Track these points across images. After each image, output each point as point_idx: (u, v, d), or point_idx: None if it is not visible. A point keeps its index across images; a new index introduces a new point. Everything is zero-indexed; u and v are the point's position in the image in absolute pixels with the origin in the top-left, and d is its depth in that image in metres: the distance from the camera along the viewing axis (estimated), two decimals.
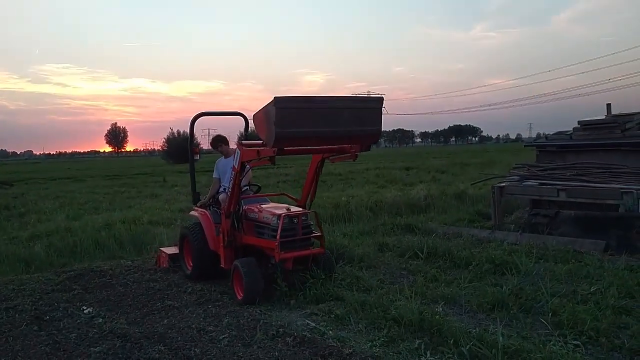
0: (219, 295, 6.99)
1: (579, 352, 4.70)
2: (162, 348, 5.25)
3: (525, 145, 17.37)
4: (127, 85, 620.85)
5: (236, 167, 6.71)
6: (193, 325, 5.88)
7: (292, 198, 7.99)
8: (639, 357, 4.73)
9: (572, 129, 12.21)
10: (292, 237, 6.72)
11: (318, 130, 5.83)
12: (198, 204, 8.32)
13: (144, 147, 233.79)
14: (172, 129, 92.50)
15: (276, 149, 5.77)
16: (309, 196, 7.46)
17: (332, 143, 6.29)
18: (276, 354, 5.00)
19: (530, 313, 5.83)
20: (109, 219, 13.66)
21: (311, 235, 7.02)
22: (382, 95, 6.04)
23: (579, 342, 4.92)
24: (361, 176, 27.23)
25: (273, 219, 6.74)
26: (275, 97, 5.50)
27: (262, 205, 7.34)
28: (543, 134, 14.78)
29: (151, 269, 8.56)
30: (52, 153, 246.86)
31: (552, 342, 4.84)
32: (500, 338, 4.73)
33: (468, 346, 4.75)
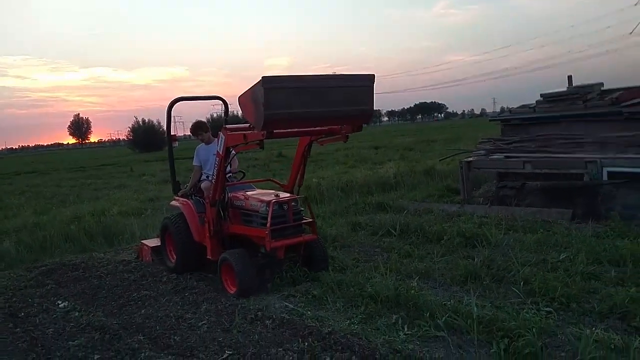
0: (195, 283, 6.97)
1: (551, 318, 4.86)
2: (142, 338, 5.24)
3: (490, 120, 17.53)
4: (88, 75, 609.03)
5: (221, 152, 6.40)
6: (171, 314, 5.88)
7: (278, 184, 7.65)
8: (608, 320, 4.90)
9: (535, 102, 12.39)
10: (283, 224, 6.44)
11: (309, 111, 5.47)
12: (179, 194, 7.99)
13: (109, 138, 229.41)
14: (136, 118, 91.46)
15: (265, 132, 5.45)
16: (297, 181, 7.08)
17: (323, 124, 5.99)
18: (256, 337, 5.03)
19: (502, 283, 5.97)
20: (77, 211, 13.48)
21: (302, 221, 6.73)
22: (373, 73, 5.75)
23: (551, 309, 5.08)
24: (331, 157, 27.32)
25: (262, 206, 6.47)
26: (262, 77, 5.12)
27: (248, 192, 7.04)
28: (507, 108, 14.99)
29: (124, 260, 8.48)
30: (14, 147, 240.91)
31: (525, 310, 5.01)
32: (475, 308, 4.86)
33: (444, 318, 4.88)
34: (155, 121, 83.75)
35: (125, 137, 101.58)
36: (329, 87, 5.55)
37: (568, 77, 12.81)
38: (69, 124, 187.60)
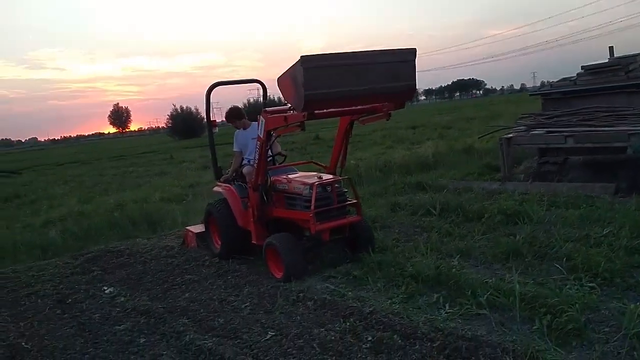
0: (237, 266, 7.06)
1: (594, 294, 4.77)
2: (186, 321, 5.36)
3: (530, 95, 17.27)
4: (125, 64, 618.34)
5: (261, 136, 6.35)
6: (214, 297, 5.99)
7: (320, 165, 7.57)
8: None
9: (576, 74, 12.10)
10: (327, 206, 6.34)
11: (350, 90, 5.30)
12: (221, 179, 7.95)
13: (149, 126, 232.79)
14: (174, 105, 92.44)
15: (306, 113, 5.30)
16: (339, 162, 6.96)
17: (364, 102, 5.79)
18: (298, 318, 5.10)
19: (544, 260, 5.88)
20: (120, 199, 13.81)
21: (346, 202, 6.64)
22: (415, 47, 5.57)
23: (594, 284, 4.97)
24: (367, 138, 27.19)
25: (305, 188, 6.34)
26: (301, 56, 4.98)
27: (290, 175, 6.92)
28: (548, 82, 14.68)
29: (167, 245, 8.63)
30: (56, 138, 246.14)
31: (567, 286, 4.92)
32: (517, 286, 4.80)
33: (486, 296, 4.85)
34: (193, 108, 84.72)
35: (164, 125, 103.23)
36: (370, 63, 5.37)
37: (609, 47, 12.50)
38: (109, 113, 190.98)
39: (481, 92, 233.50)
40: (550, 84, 12.96)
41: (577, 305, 4.42)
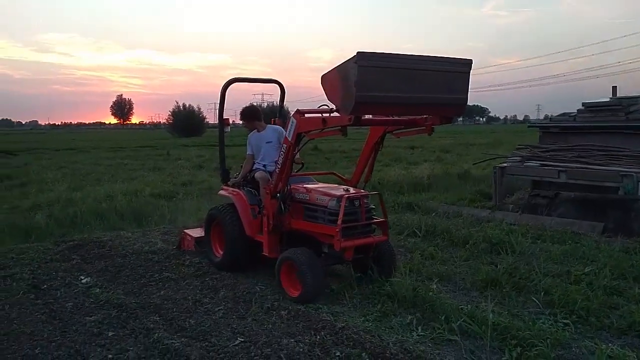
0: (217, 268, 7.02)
1: (567, 331, 4.78)
2: (157, 318, 5.31)
3: (529, 126, 17.38)
4: (132, 56, 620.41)
5: (289, 139, 5.78)
6: (189, 297, 5.95)
7: (342, 178, 7.12)
8: (626, 337, 4.79)
9: (576, 110, 12.15)
10: (354, 222, 5.86)
11: (405, 96, 4.80)
12: (230, 183, 7.38)
13: (150, 120, 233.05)
14: (177, 102, 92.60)
15: (352, 117, 4.79)
16: (364, 176, 6.49)
17: (414, 112, 5.33)
18: (270, 326, 5.07)
19: (522, 292, 5.88)
20: (110, 190, 13.71)
21: (374, 220, 6.16)
22: (471, 58, 5.12)
23: (568, 321, 4.98)
24: None
25: (332, 201, 5.84)
26: (358, 52, 4.48)
27: (310, 185, 6.45)
28: (550, 115, 14.75)
29: (151, 241, 8.58)
30: (57, 124, 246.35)
31: (542, 320, 4.94)
32: (491, 315, 4.80)
33: (459, 322, 4.84)
34: (195, 107, 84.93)
35: (165, 121, 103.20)
36: (426, 69, 4.86)
37: (613, 87, 12.55)
38: (111, 103, 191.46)
39: (484, 119, 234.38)
40: (550, 118, 13.01)
41: (548, 340, 4.44)
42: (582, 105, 12.03)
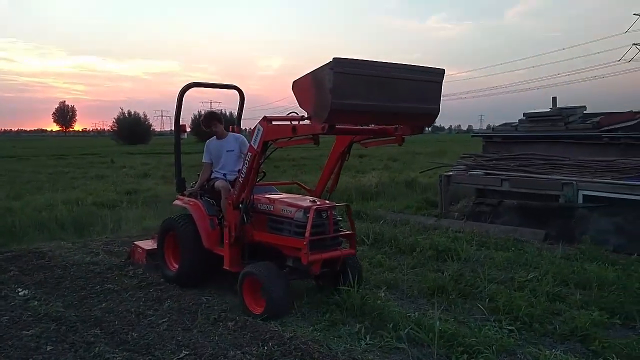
0: (162, 279, 6.84)
1: (512, 337, 4.85)
2: (98, 332, 5.13)
3: (472, 136, 17.79)
4: (76, 62, 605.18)
5: (255, 147, 5.53)
6: (132, 309, 5.76)
7: (305, 188, 6.92)
8: (569, 342, 4.90)
9: (517, 120, 12.47)
10: (322, 234, 5.63)
11: (379, 105, 4.65)
12: (186, 192, 7.05)
13: (93, 127, 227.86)
14: (122, 109, 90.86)
15: (326, 125, 4.57)
16: (330, 186, 6.35)
17: (386, 121, 5.16)
18: (216, 338, 4.97)
19: (468, 298, 5.97)
20: (51, 199, 13.30)
21: (342, 233, 5.95)
22: (443, 68, 5.01)
23: (513, 328, 5.06)
24: (315, 162, 27.19)
25: (298, 212, 5.62)
26: (334, 58, 4.30)
27: (274, 196, 6.22)
28: (493, 125, 15.10)
29: (92, 251, 8.32)
30: None
31: (487, 327, 4.99)
32: (437, 322, 4.82)
33: (406, 330, 4.85)
34: (141, 114, 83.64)
35: (109, 128, 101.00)
36: (400, 78, 4.73)
37: (552, 98, 12.94)
38: (53, 110, 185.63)
39: (430, 129, 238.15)
40: (492, 128, 13.31)
41: (494, 346, 4.50)
42: (523, 116, 12.36)
